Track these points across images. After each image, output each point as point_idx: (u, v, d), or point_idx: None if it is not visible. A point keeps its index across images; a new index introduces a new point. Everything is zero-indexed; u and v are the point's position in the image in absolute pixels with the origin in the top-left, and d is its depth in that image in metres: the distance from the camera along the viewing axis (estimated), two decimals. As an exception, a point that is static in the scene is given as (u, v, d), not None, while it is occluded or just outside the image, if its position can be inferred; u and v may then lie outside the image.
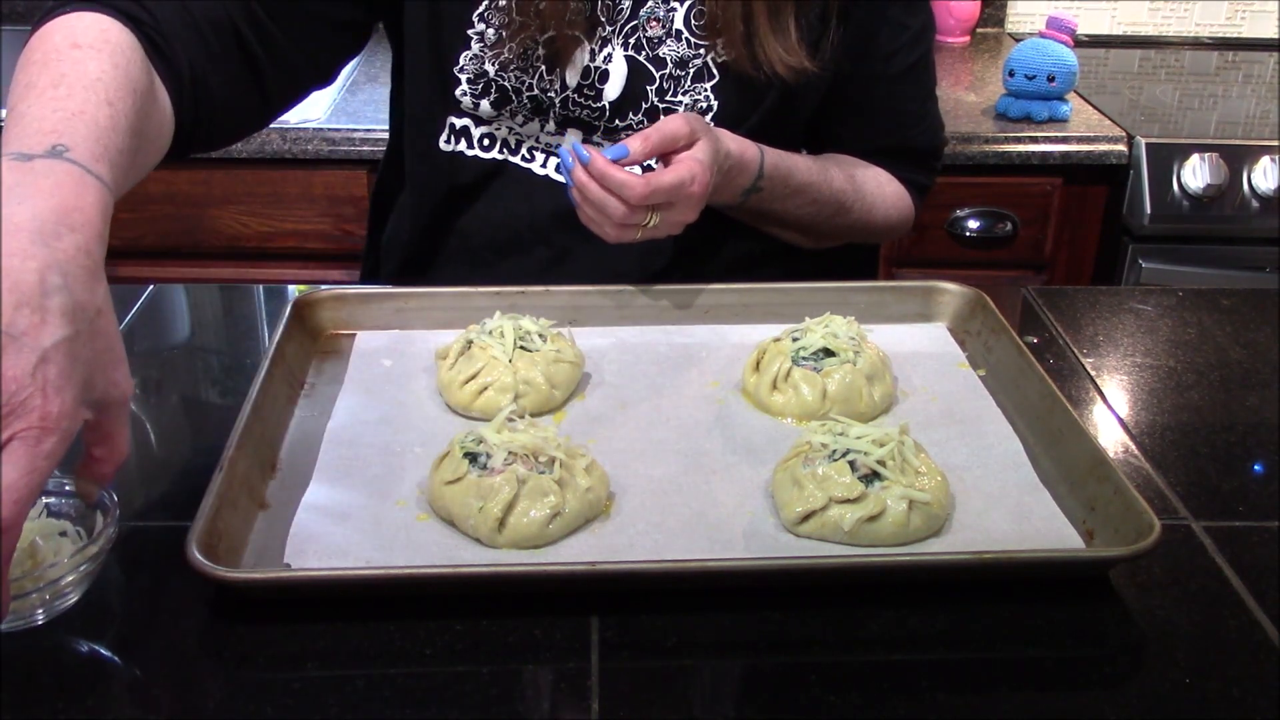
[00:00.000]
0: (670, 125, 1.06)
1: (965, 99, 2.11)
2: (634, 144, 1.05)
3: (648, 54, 1.17)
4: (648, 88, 1.18)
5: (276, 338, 1.04)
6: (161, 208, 1.96)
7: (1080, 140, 1.95)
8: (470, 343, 1.02)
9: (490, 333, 1.02)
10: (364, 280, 1.40)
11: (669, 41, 1.17)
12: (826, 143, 1.32)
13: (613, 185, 1.03)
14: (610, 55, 1.17)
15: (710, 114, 1.18)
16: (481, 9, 1.17)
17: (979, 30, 2.55)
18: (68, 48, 0.87)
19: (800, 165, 1.22)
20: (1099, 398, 1.07)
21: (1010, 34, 2.56)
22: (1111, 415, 1.04)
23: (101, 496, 0.77)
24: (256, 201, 1.96)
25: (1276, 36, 2.58)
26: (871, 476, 0.84)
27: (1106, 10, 2.57)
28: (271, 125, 1.88)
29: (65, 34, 0.88)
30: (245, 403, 0.92)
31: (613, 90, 1.18)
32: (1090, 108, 2.07)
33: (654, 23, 1.17)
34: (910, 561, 0.82)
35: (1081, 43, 2.45)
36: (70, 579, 0.73)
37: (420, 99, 1.23)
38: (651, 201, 1.04)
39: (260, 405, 0.94)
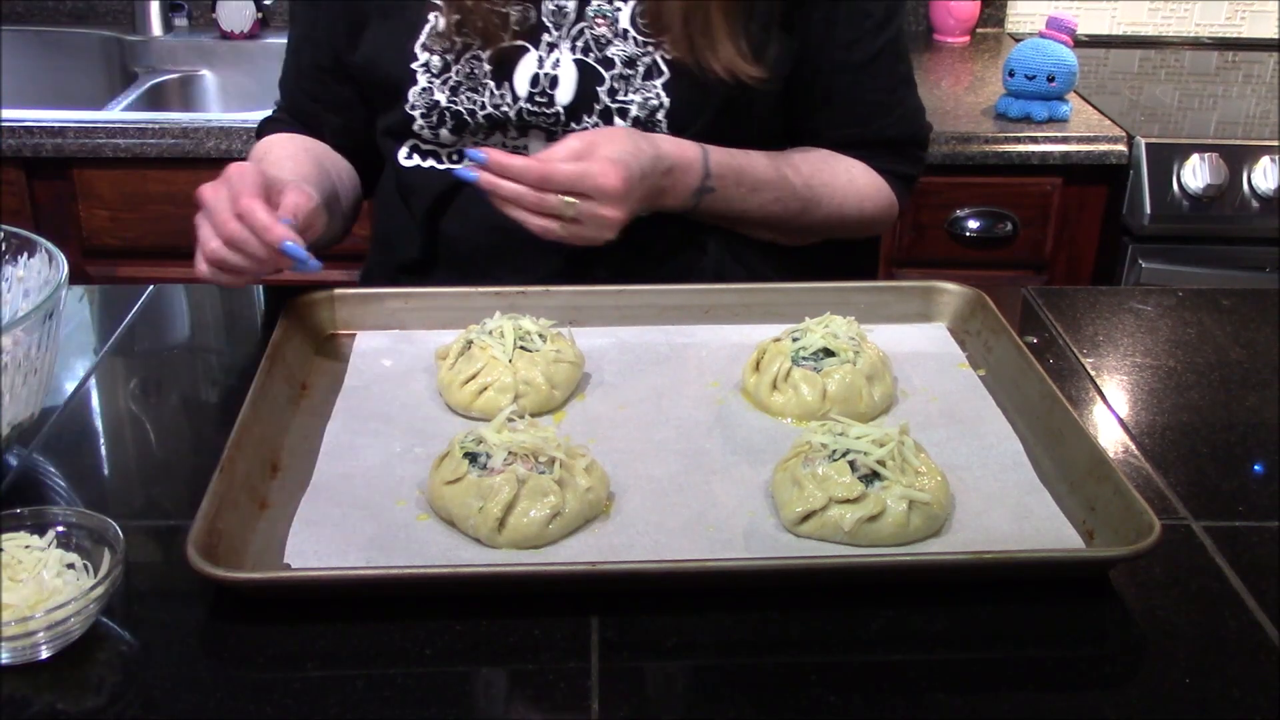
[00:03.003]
0: (562, 142, 1.11)
1: (965, 99, 2.11)
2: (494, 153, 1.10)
3: (596, 55, 1.18)
4: (598, 89, 1.18)
5: (276, 338, 1.04)
6: (161, 208, 1.96)
7: (1080, 140, 1.95)
8: (470, 343, 1.02)
9: (490, 333, 1.02)
10: (364, 281, 1.40)
11: (616, 41, 1.18)
12: (801, 136, 1.31)
13: (512, 173, 1.06)
14: (559, 60, 1.18)
15: (662, 111, 1.18)
16: (422, 38, 1.20)
17: (979, 30, 2.55)
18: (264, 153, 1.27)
19: (756, 162, 1.22)
20: (1099, 398, 1.07)
21: (1010, 34, 2.56)
22: (1111, 415, 1.04)
23: (109, 533, 0.78)
24: (256, 201, 1.96)
25: (1276, 36, 2.58)
26: (871, 476, 0.84)
27: (1106, 10, 2.57)
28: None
29: (266, 143, 1.30)
30: (245, 403, 0.92)
31: (564, 94, 1.18)
32: (1090, 108, 2.07)
33: (600, 20, 1.18)
34: (910, 561, 0.82)
35: (1081, 43, 2.45)
36: (76, 619, 0.74)
37: (388, 140, 1.28)
38: (553, 185, 1.06)
39: (260, 405, 0.94)
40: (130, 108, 2.13)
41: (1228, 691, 0.73)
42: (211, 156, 1.91)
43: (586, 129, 1.19)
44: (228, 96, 2.39)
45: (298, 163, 1.23)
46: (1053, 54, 1.98)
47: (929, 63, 2.36)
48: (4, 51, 2.37)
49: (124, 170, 1.93)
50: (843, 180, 1.28)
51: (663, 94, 1.18)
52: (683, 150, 1.17)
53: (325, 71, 1.30)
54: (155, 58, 2.39)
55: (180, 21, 2.44)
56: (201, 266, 1.04)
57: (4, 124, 1.89)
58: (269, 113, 1.38)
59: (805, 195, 1.25)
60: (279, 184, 1.07)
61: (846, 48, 1.24)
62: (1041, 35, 2.03)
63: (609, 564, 0.81)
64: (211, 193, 1.04)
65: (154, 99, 2.27)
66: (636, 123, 1.18)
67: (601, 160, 1.07)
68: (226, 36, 2.37)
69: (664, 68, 1.18)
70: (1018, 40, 2.27)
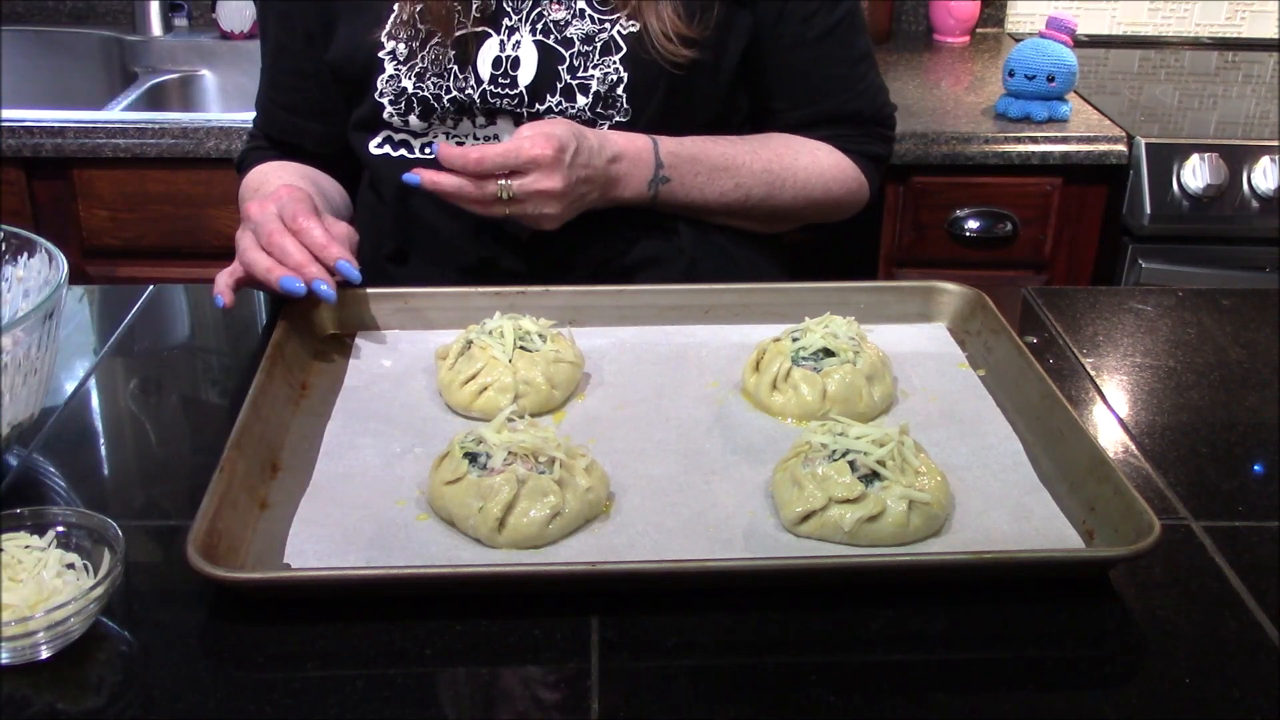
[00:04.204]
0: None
1: (965, 99, 2.11)
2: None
3: (556, 36, 1.20)
4: (559, 68, 1.20)
5: (276, 338, 1.04)
6: (161, 208, 1.96)
7: (1080, 140, 1.95)
8: (470, 343, 1.02)
9: (490, 333, 1.02)
10: None
11: (575, 21, 1.20)
12: (766, 119, 1.32)
13: (452, 164, 1.10)
14: (519, 42, 1.20)
15: (621, 85, 1.20)
16: (388, 27, 1.22)
17: (979, 30, 2.55)
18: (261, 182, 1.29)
19: (712, 149, 1.24)
20: (1099, 398, 1.07)
21: (1010, 34, 2.56)
22: (1111, 415, 1.04)
23: (109, 533, 0.78)
24: (256, 201, 1.96)
25: (1276, 36, 2.58)
26: (871, 476, 0.84)
27: (1106, 10, 2.57)
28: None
29: (259, 173, 1.32)
30: (245, 403, 0.92)
31: (526, 76, 1.20)
32: (1090, 108, 2.07)
33: (555, 5, 1.20)
34: (910, 561, 0.82)
35: (1081, 43, 2.45)
36: (76, 619, 0.74)
37: (360, 133, 1.29)
38: (487, 167, 1.10)
39: (260, 405, 0.94)
40: (130, 108, 2.13)
41: (1228, 691, 0.73)
42: (211, 157, 1.91)
43: (550, 108, 1.21)
44: (227, 96, 2.39)
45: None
46: (1053, 54, 1.98)
47: (929, 63, 2.36)
48: (4, 51, 2.37)
49: (124, 170, 1.93)
50: (805, 162, 1.29)
51: (621, 69, 1.20)
52: (631, 140, 1.19)
53: (306, 78, 1.31)
54: (155, 58, 2.39)
55: (180, 21, 2.44)
56: (224, 279, 1.09)
57: (4, 124, 1.89)
58: (245, 142, 1.41)
59: (766, 179, 1.26)
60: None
61: (804, 21, 1.25)
62: (1041, 35, 2.03)
63: (609, 564, 0.81)
64: (258, 209, 1.09)
65: (154, 99, 2.27)
66: (597, 98, 1.20)
67: (533, 136, 1.11)
68: (226, 36, 2.37)
69: (621, 42, 1.19)
70: (1018, 40, 2.26)
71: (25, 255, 0.98)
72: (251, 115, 1.39)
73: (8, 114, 1.91)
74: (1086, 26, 2.55)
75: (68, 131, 1.89)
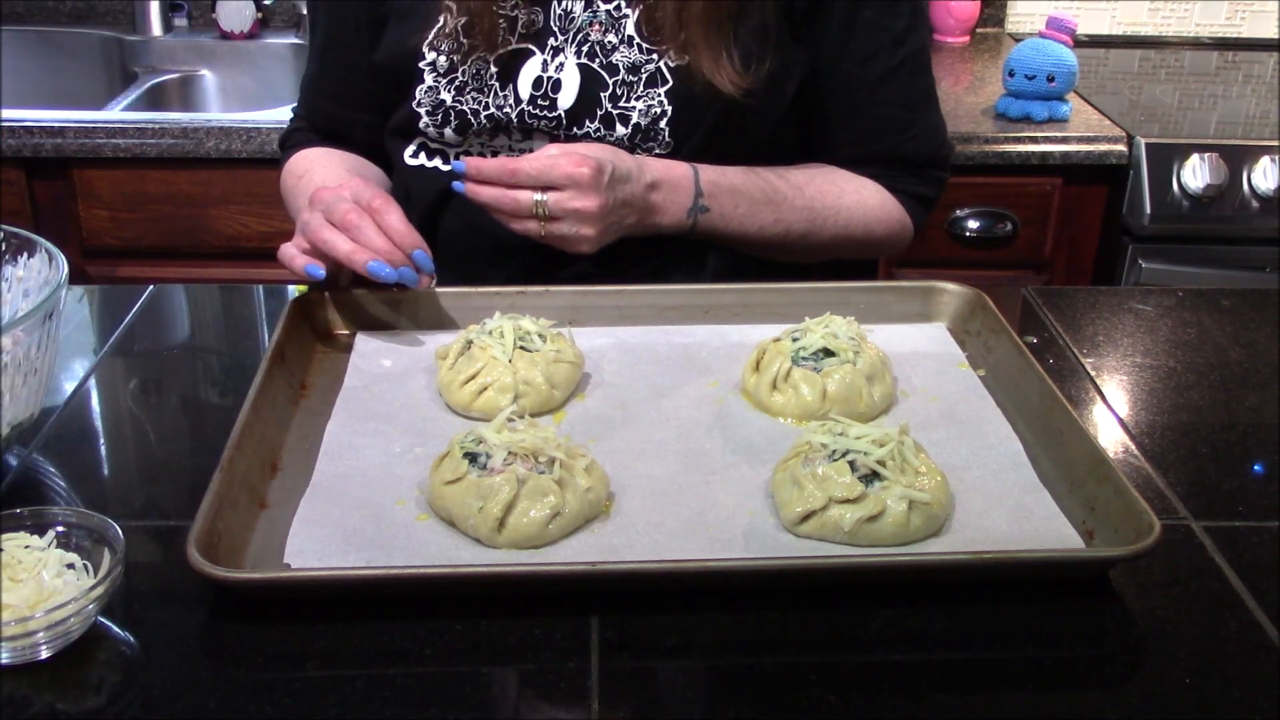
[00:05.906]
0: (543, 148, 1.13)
1: (965, 99, 2.11)
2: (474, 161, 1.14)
3: (601, 61, 1.18)
4: (601, 94, 1.18)
5: (276, 338, 1.04)
6: (161, 208, 1.96)
7: (1080, 140, 1.95)
8: (470, 343, 1.02)
9: (490, 333, 1.02)
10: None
11: (622, 48, 1.18)
12: (815, 151, 1.29)
13: (485, 173, 1.10)
14: (562, 64, 1.18)
15: (665, 119, 1.18)
16: (430, 37, 1.20)
17: (979, 30, 2.55)
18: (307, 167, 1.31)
19: (753, 182, 1.21)
20: (1099, 398, 1.07)
21: (1010, 34, 2.56)
22: (1111, 415, 1.04)
23: (109, 533, 0.78)
24: (256, 201, 1.96)
25: (1276, 36, 2.58)
26: (871, 476, 0.84)
27: (1106, 10, 2.57)
28: (270, 125, 1.89)
29: (304, 159, 1.33)
30: (245, 403, 0.92)
31: (566, 99, 1.19)
32: (1090, 108, 2.07)
33: (596, 26, 1.18)
34: (910, 561, 0.82)
35: (1081, 43, 2.45)
36: (76, 619, 0.74)
37: (396, 135, 1.28)
38: (521, 180, 1.09)
39: (260, 405, 0.94)
40: (130, 108, 2.13)
41: (1228, 691, 0.73)
42: (211, 156, 1.91)
43: (589, 134, 1.19)
44: (227, 96, 2.39)
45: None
46: (1053, 54, 1.98)
47: (929, 63, 2.36)
48: (4, 51, 2.37)
49: (124, 170, 1.93)
50: (849, 201, 1.26)
51: (665, 101, 1.17)
52: (670, 169, 1.17)
53: (355, 70, 1.30)
54: (155, 58, 2.39)
55: (180, 21, 2.44)
56: (295, 254, 1.09)
57: (4, 124, 1.89)
58: (287, 123, 1.40)
59: (808, 216, 1.24)
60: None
61: (862, 63, 1.22)
62: (1041, 35, 2.03)
63: (609, 564, 0.81)
64: (331, 193, 1.10)
65: (154, 99, 2.27)
66: (638, 130, 1.18)
67: (571, 154, 1.09)
68: (226, 36, 2.38)
69: (668, 75, 1.17)
70: (1018, 40, 2.26)
71: (25, 255, 0.98)
72: (251, 115, 1.39)
73: (8, 114, 1.91)
74: (1086, 26, 2.55)
75: (68, 131, 1.90)
